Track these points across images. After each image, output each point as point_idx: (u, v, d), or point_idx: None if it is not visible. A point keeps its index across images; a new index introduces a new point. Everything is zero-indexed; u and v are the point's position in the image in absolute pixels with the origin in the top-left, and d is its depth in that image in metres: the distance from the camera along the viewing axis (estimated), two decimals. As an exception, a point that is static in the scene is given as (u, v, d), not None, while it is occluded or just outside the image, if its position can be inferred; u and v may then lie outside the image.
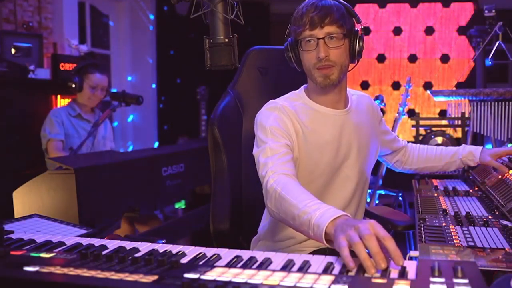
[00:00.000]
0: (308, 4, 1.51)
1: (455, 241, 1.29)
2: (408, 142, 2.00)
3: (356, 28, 1.57)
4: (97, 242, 1.17)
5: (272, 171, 1.38)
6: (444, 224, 1.47)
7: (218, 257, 1.03)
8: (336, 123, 1.60)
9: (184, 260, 1.02)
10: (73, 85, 3.12)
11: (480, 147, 1.90)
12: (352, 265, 0.94)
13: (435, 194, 1.92)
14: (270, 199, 1.35)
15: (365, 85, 6.66)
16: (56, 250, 1.10)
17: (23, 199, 2.26)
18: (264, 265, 0.98)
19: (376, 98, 4.02)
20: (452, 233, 1.36)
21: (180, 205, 3.75)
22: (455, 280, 0.85)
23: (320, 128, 1.58)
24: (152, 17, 5.98)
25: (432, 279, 0.86)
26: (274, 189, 1.33)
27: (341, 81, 1.57)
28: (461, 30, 6.35)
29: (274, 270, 0.93)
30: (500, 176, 1.83)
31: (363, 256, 0.94)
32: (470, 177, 2.18)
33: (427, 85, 6.47)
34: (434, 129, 2.78)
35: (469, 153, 1.89)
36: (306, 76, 1.63)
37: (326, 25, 1.48)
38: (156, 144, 6.02)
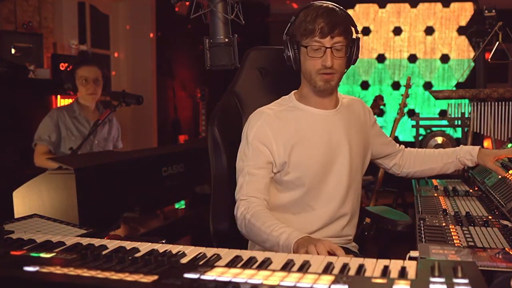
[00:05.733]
0: (318, 11, 1.53)
1: (455, 241, 1.29)
2: (407, 147, 1.99)
3: (353, 37, 1.62)
4: (97, 242, 1.17)
5: (244, 197, 1.54)
6: (444, 224, 1.47)
7: (218, 257, 1.03)
8: (326, 122, 1.65)
9: (184, 260, 1.02)
10: (66, 87, 3.10)
11: (478, 147, 1.89)
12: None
13: (435, 194, 1.92)
14: (240, 225, 1.54)
15: (365, 85, 6.66)
16: (56, 250, 1.10)
17: (23, 199, 2.26)
18: (264, 265, 0.98)
19: (376, 98, 4.02)
20: (452, 233, 1.36)
21: (180, 205, 3.75)
22: (455, 280, 0.85)
23: (309, 129, 1.63)
24: (152, 17, 5.98)
25: (432, 279, 0.86)
26: (244, 216, 1.51)
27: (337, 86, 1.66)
28: (461, 30, 6.35)
29: (274, 270, 0.93)
30: (500, 176, 1.83)
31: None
32: (470, 177, 2.18)
33: (427, 85, 6.47)
34: (434, 129, 2.78)
35: (467, 153, 1.88)
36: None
37: (335, 36, 1.53)
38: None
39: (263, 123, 1.60)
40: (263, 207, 1.52)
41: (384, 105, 5.05)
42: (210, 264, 0.99)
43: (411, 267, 0.94)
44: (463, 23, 6.35)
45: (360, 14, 6.53)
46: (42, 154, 3.00)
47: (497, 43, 2.76)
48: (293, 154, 1.60)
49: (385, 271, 0.92)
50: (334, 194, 1.65)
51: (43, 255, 1.03)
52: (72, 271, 0.91)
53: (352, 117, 1.73)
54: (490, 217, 1.54)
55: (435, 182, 2.16)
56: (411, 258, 1.09)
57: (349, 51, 1.60)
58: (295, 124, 1.62)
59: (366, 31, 6.57)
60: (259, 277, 0.89)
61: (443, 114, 6.27)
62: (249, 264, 0.99)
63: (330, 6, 1.56)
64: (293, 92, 1.71)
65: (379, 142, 1.87)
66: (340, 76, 1.61)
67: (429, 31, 6.48)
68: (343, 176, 1.65)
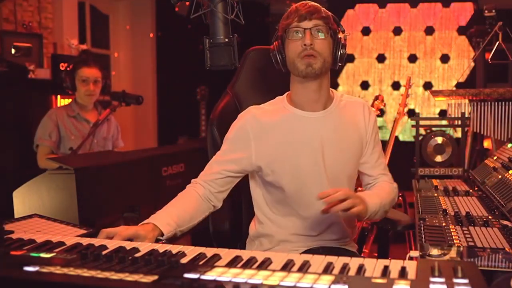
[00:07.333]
0: (297, 5, 1.58)
1: (455, 241, 1.29)
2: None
3: (339, 36, 1.59)
4: (97, 242, 1.17)
5: (194, 181, 1.65)
6: (444, 224, 1.47)
7: (218, 257, 1.03)
8: (311, 125, 1.60)
9: (184, 260, 1.02)
10: (65, 85, 3.11)
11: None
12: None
13: (435, 194, 1.92)
14: None
15: (365, 85, 6.65)
16: (56, 250, 1.10)
17: (23, 199, 2.26)
18: (264, 265, 0.98)
19: (376, 98, 4.01)
20: (452, 233, 1.36)
21: (180, 205, 3.75)
22: (455, 280, 0.85)
23: (293, 131, 1.59)
24: (152, 17, 5.98)
25: (432, 279, 0.86)
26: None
27: (321, 76, 1.58)
28: (461, 30, 6.34)
29: (274, 270, 0.93)
30: (500, 176, 1.83)
31: None
32: (470, 177, 2.18)
33: (427, 85, 6.47)
34: (434, 129, 2.78)
35: None
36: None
37: (314, 19, 1.54)
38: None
39: (245, 123, 1.60)
40: (191, 192, 1.61)
41: (384, 105, 5.04)
42: (210, 264, 0.99)
43: (411, 267, 0.94)
44: (463, 23, 6.34)
45: (360, 14, 6.52)
46: (46, 155, 2.99)
47: (497, 43, 2.76)
48: (271, 156, 1.57)
49: (385, 271, 0.92)
50: (317, 202, 1.43)
51: (43, 255, 1.03)
52: (72, 271, 0.91)
53: (345, 119, 1.64)
54: (490, 217, 1.54)
55: (435, 182, 2.16)
56: (411, 258, 1.09)
57: (334, 44, 1.56)
58: (279, 125, 1.59)
59: (366, 31, 6.57)
60: (259, 277, 0.89)
61: (443, 114, 6.26)
62: (249, 264, 0.99)
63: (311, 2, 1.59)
64: (287, 92, 1.69)
65: (367, 153, 1.69)
66: (323, 61, 1.54)
67: (429, 31, 6.47)
68: (323, 181, 1.58)
